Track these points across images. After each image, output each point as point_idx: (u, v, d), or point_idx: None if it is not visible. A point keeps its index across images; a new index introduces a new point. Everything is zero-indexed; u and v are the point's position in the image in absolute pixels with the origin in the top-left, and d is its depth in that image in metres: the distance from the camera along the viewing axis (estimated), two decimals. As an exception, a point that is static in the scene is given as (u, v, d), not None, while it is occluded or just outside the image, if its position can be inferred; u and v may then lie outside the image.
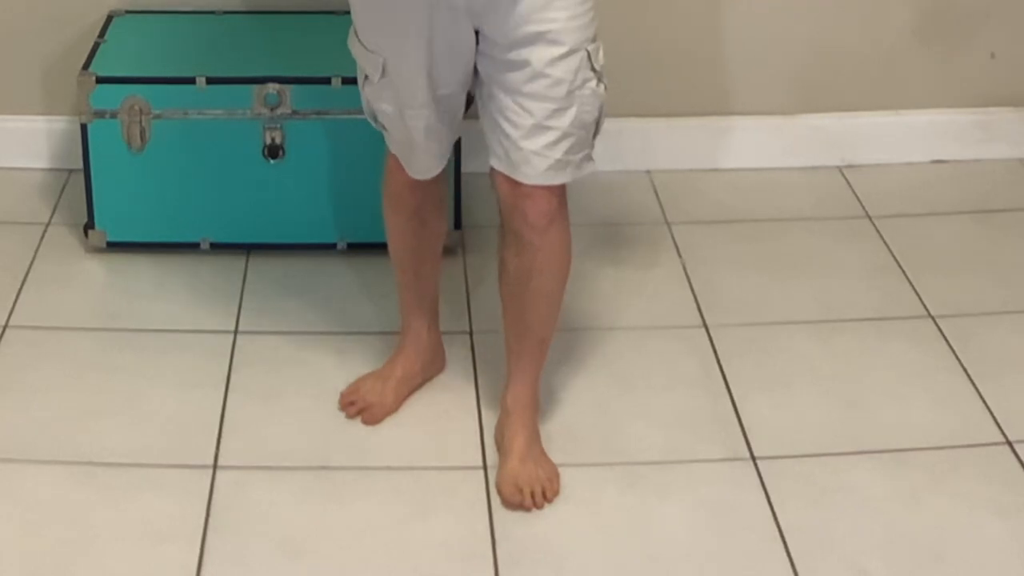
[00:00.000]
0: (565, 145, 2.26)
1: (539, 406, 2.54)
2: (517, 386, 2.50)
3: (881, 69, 3.45)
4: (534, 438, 2.49)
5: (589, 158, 2.33)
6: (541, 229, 2.33)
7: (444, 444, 2.55)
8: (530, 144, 2.25)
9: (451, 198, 2.98)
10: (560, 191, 2.32)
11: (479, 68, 2.28)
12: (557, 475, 2.45)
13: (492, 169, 2.32)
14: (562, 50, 2.20)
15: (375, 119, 2.42)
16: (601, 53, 2.27)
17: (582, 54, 2.23)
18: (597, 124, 2.31)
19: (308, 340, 2.80)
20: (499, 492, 2.42)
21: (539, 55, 2.20)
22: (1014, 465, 2.51)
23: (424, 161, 2.42)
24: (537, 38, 2.19)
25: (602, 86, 2.28)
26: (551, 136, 2.25)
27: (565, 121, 2.24)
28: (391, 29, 2.26)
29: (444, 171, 2.49)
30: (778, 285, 3.01)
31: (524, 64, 2.21)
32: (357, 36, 2.34)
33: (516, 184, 2.30)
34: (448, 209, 2.61)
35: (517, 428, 2.48)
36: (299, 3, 3.25)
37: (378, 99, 2.37)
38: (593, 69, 2.25)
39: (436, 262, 2.62)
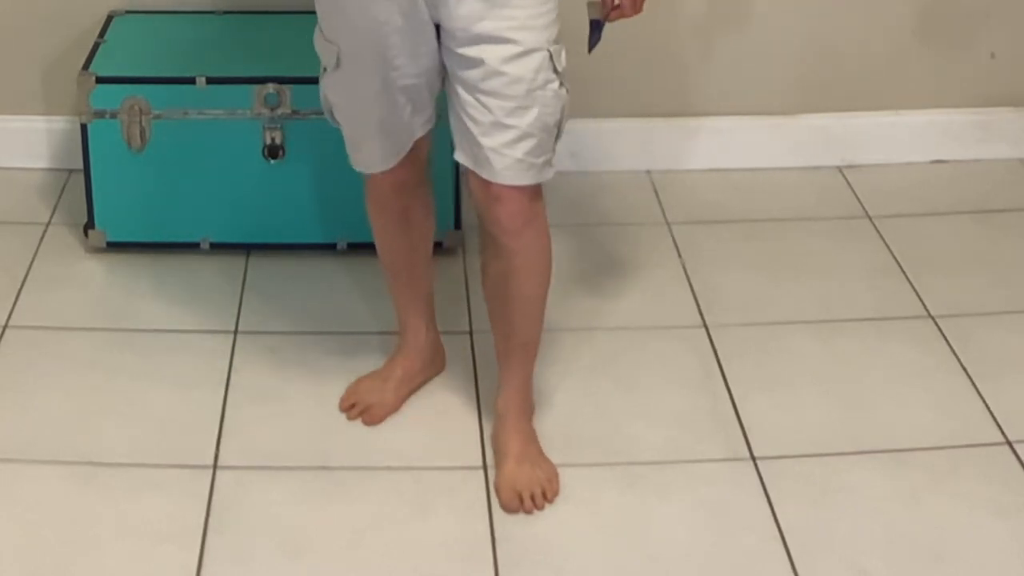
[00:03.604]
0: (525, 146, 2.24)
1: (532, 407, 2.53)
2: (508, 390, 2.49)
3: (881, 69, 3.45)
4: (530, 439, 2.48)
5: (549, 163, 2.30)
6: (514, 232, 2.31)
7: (444, 444, 2.54)
8: (489, 141, 2.24)
9: (451, 198, 2.98)
10: (532, 193, 2.30)
11: (444, 63, 2.27)
12: (556, 475, 2.45)
13: (469, 172, 2.31)
14: (519, 49, 2.19)
15: (332, 114, 2.41)
16: (564, 55, 2.25)
17: (543, 54, 2.21)
18: (559, 127, 2.29)
19: (308, 340, 2.80)
20: (498, 497, 2.41)
21: (495, 53, 2.19)
22: (1014, 465, 2.51)
23: (372, 153, 2.39)
24: (494, 35, 2.18)
25: (564, 89, 2.26)
26: (510, 135, 2.23)
27: (526, 120, 2.22)
28: (350, 13, 2.24)
29: (427, 172, 2.48)
30: (778, 285, 3.01)
31: (480, 61, 2.20)
32: (320, 28, 2.33)
33: (487, 185, 2.28)
34: (435, 208, 2.59)
35: (511, 431, 2.48)
36: (299, 3, 3.24)
37: (332, 91, 2.36)
38: (555, 71, 2.23)
39: (427, 262, 2.60)
